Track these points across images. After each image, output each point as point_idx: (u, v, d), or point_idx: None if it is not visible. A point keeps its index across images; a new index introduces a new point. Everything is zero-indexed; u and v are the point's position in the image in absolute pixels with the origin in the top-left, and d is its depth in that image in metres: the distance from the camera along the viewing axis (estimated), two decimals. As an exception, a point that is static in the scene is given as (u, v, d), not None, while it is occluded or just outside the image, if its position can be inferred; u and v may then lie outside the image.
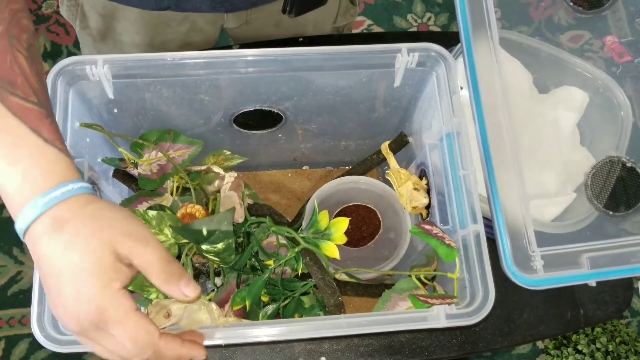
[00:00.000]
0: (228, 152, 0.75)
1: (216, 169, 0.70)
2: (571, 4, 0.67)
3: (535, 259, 0.54)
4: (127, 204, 0.68)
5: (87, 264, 0.41)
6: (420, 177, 0.68)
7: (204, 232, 0.58)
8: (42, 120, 0.44)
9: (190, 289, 0.44)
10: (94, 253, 0.41)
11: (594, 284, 0.55)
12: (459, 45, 0.71)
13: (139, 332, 0.41)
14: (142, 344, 0.41)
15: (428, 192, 0.65)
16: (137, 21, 0.82)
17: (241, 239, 0.67)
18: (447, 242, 0.57)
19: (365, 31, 1.80)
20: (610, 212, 0.62)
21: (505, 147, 0.55)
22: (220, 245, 0.58)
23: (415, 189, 0.65)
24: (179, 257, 0.57)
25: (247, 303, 0.61)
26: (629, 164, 0.63)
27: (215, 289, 0.67)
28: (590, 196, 0.63)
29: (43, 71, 0.48)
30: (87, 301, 0.40)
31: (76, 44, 1.68)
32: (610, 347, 1.34)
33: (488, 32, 0.57)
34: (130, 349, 0.41)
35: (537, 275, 0.53)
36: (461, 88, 0.62)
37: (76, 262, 0.41)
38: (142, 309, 0.48)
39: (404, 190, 0.66)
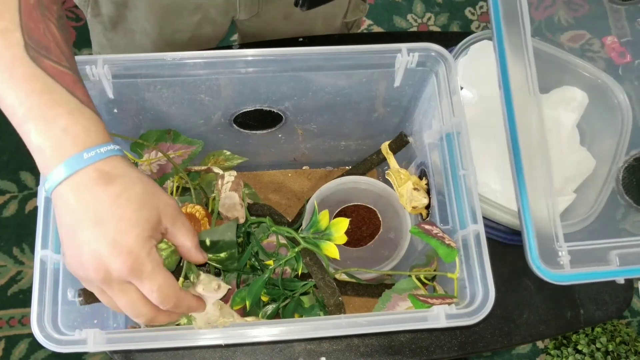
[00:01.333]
0: (228, 152, 0.75)
1: (216, 169, 0.70)
2: None
3: (562, 254, 0.53)
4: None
5: (136, 218, 0.44)
6: (420, 177, 0.68)
7: (207, 242, 0.59)
8: (76, 83, 0.46)
9: (204, 254, 0.52)
10: (144, 211, 0.45)
11: (622, 281, 0.54)
12: (459, 45, 0.71)
13: (167, 283, 0.45)
14: (167, 293, 0.45)
15: (428, 192, 0.65)
16: (149, 9, 0.82)
17: (241, 239, 0.67)
18: (447, 242, 0.57)
19: (365, 31, 1.80)
20: None
21: (532, 142, 0.55)
22: (223, 255, 0.59)
23: (415, 189, 0.65)
24: (179, 263, 0.57)
25: (247, 303, 0.61)
26: None
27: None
28: (620, 191, 0.62)
29: (71, 42, 0.49)
30: (128, 251, 0.43)
31: (77, 43, 1.68)
32: (610, 347, 1.34)
33: (520, 23, 0.56)
34: (157, 298, 0.45)
35: (563, 271, 0.52)
36: (461, 88, 0.62)
37: (124, 215, 0.44)
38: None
39: (404, 190, 0.66)
